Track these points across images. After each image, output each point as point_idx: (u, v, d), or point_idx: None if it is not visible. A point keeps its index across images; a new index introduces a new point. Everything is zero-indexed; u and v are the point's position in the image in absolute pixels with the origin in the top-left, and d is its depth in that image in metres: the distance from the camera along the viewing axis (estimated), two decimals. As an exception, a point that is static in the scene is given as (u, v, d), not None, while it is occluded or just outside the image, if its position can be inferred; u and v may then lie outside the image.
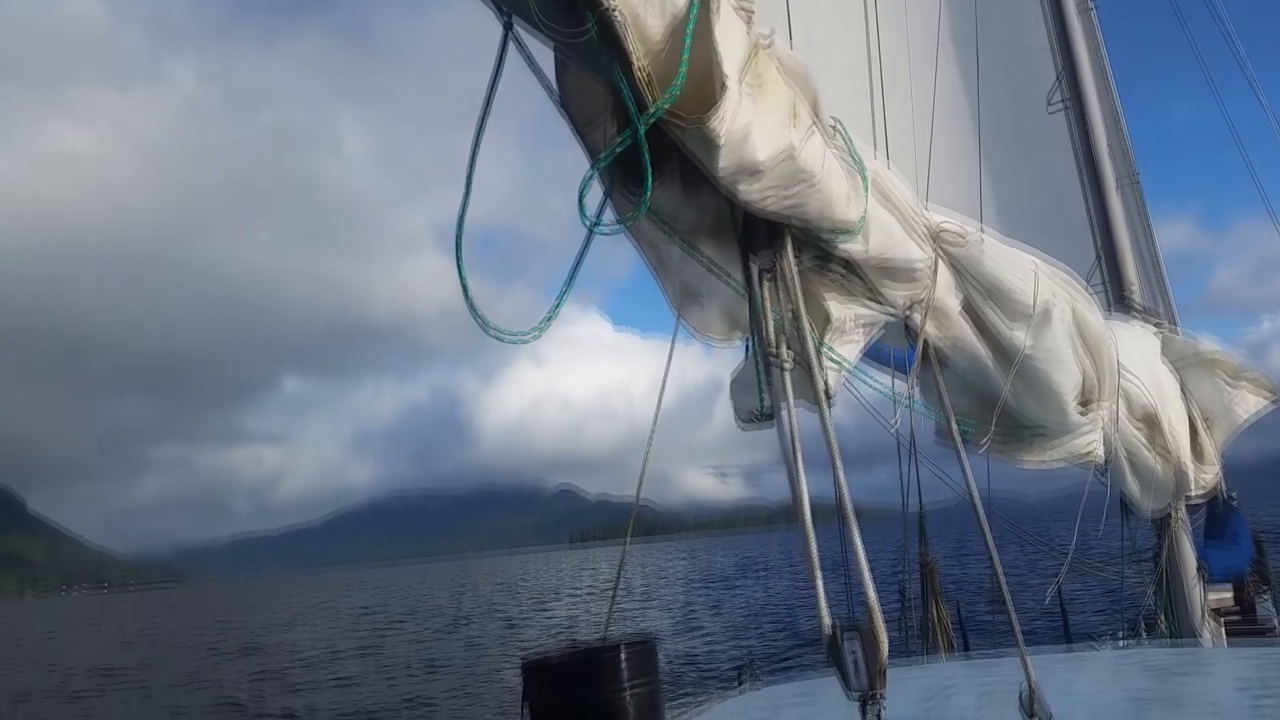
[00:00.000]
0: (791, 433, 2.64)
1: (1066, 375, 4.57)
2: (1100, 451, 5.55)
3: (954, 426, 3.97)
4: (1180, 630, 7.06)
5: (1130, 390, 5.85)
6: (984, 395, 4.90)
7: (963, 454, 3.82)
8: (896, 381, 4.79)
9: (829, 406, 2.71)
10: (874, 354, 4.56)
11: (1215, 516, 8.71)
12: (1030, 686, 3.43)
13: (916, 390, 4.65)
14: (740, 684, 6.03)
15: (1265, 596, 9.55)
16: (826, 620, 2.48)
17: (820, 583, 2.50)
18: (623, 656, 3.09)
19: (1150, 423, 6.16)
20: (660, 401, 6.25)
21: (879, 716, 2.40)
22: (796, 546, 2.61)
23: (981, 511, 3.52)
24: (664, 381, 4.95)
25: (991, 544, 3.48)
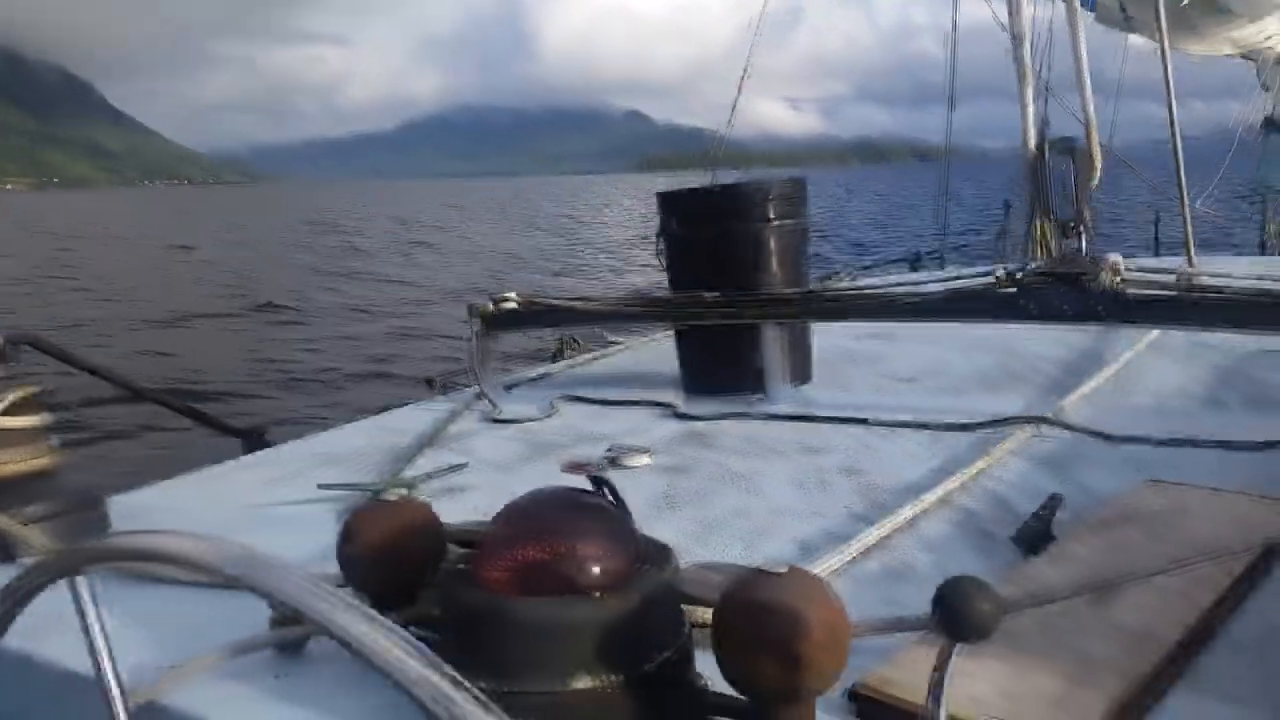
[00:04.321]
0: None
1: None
2: (1278, 45, 4.94)
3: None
4: None
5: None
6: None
7: (1163, 18, 3.27)
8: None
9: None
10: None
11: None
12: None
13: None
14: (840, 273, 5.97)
15: None
16: (1033, 135, 2.19)
17: (1030, 92, 2.17)
18: (770, 191, 2.87)
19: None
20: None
21: (1081, 244, 2.17)
22: (1013, 63, 2.24)
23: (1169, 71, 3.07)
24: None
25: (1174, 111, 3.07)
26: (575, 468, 2.25)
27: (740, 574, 1.00)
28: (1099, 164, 2.16)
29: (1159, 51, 3.31)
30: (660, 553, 1.14)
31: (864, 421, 2.43)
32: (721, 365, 2.89)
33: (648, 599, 1.05)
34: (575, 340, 4.28)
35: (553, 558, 1.06)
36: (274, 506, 2.16)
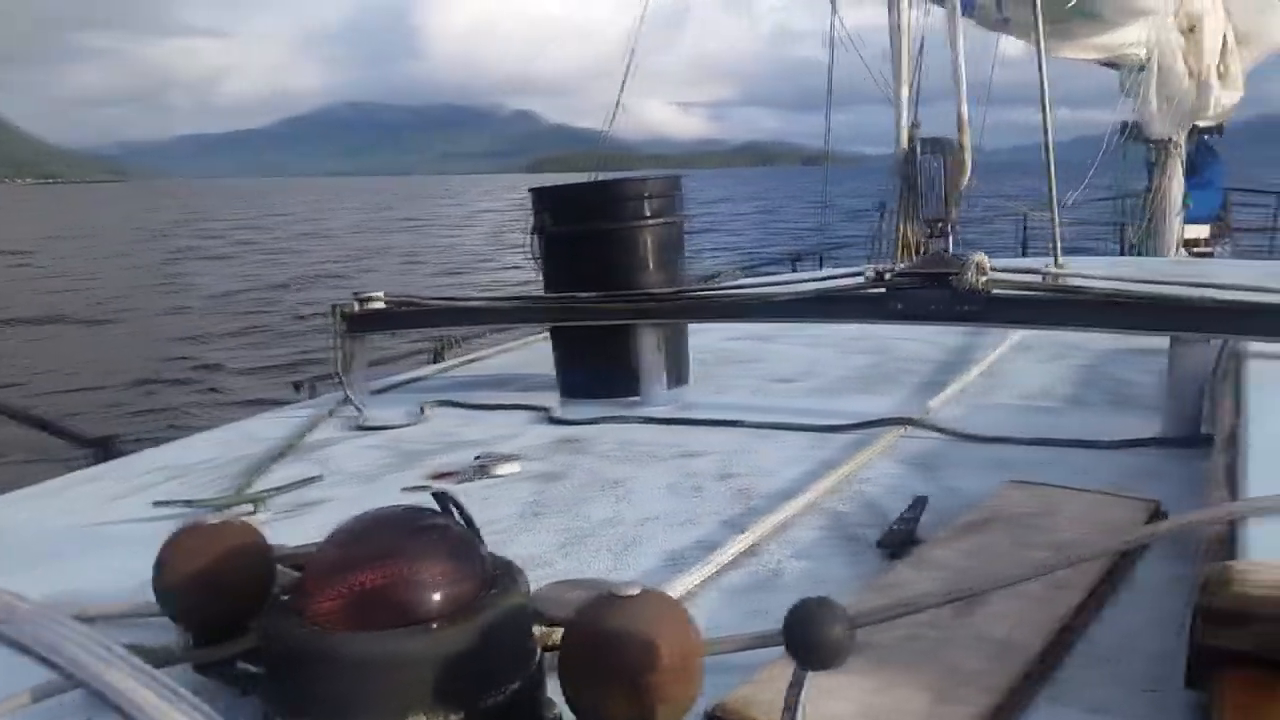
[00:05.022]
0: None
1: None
2: (1141, 51, 5.20)
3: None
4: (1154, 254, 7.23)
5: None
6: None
7: (1039, 20, 3.34)
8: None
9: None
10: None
11: (1195, 161, 8.63)
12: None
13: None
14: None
15: (1225, 242, 9.85)
16: (904, 135, 2.19)
17: (905, 93, 2.17)
18: (646, 188, 2.81)
19: (1189, 35, 5.77)
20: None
21: (948, 244, 2.18)
22: (891, 59, 2.24)
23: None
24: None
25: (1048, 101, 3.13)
26: (440, 477, 2.14)
27: (589, 598, 0.93)
28: (969, 164, 2.18)
29: (1033, 54, 3.40)
30: (509, 574, 1.06)
31: (739, 424, 2.39)
32: (598, 367, 2.82)
33: (492, 627, 0.97)
34: (456, 341, 4.14)
35: (385, 585, 0.96)
36: (108, 525, 1.99)
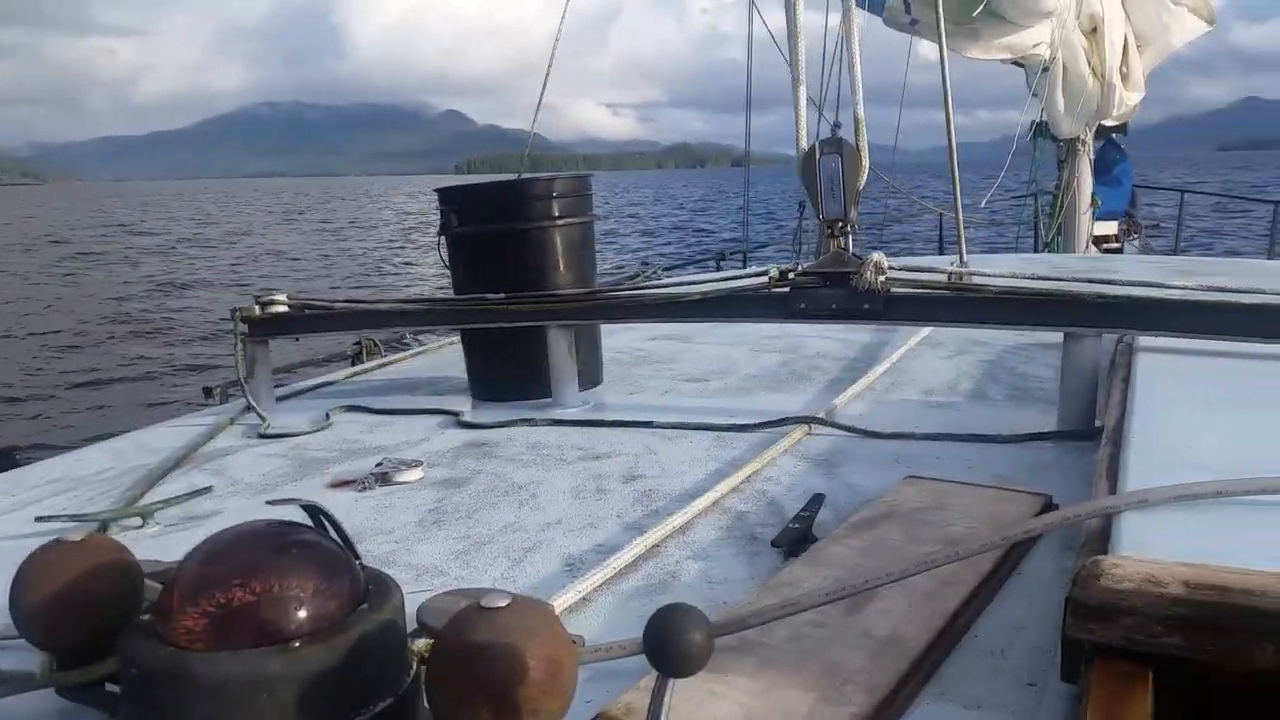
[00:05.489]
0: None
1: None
2: (1045, 52, 5.33)
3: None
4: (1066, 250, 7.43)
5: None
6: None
7: (942, 21, 3.40)
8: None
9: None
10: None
11: (1104, 160, 8.87)
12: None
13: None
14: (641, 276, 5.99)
15: (1134, 239, 10.15)
16: (805, 136, 2.20)
17: (803, 92, 2.18)
18: (555, 188, 2.79)
19: (1091, 37, 5.94)
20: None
21: (847, 244, 2.20)
22: (789, 59, 2.25)
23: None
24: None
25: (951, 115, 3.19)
26: (339, 486, 2.10)
27: (461, 610, 0.91)
28: (866, 164, 2.21)
29: (939, 51, 3.46)
30: (383, 589, 1.03)
31: (648, 425, 2.39)
32: (509, 370, 2.79)
33: (360, 644, 0.94)
34: (375, 344, 4.06)
35: (246, 604, 0.92)
36: None
